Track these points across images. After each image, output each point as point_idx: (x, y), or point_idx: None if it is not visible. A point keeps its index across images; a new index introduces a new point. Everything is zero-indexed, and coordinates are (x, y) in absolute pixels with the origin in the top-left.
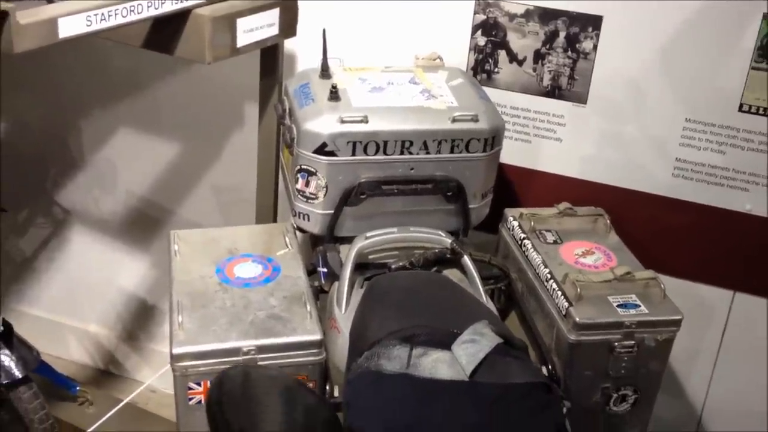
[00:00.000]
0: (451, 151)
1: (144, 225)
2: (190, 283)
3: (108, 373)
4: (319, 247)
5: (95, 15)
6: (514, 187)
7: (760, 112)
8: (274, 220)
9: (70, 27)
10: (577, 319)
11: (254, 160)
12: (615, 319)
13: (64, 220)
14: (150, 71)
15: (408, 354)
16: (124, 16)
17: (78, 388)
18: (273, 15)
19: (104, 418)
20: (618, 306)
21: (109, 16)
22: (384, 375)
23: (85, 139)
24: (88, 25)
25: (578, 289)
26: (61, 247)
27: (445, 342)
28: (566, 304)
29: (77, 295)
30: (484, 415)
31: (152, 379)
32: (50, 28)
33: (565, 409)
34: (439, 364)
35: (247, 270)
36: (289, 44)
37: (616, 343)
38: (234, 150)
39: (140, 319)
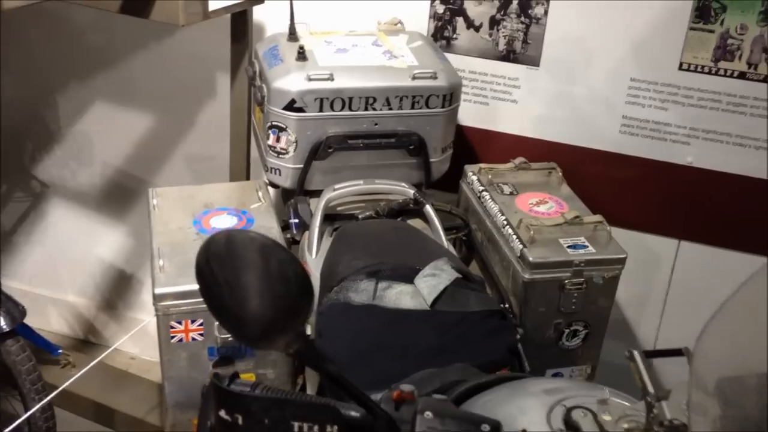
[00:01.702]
0: (412, 107)
1: (120, 196)
2: (168, 233)
3: (88, 342)
4: (291, 200)
5: None
6: (474, 147)
7: (699, 69)
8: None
9: None
10: (531, 258)
11: (227, 128)
12: (565, 258)
13: (42, 194)
14: (124, 45)
15: (374, 287)
16: None
17: (60, 351)
18: None
19: (88, 367)
20: (568, 247)
21: None
22: (352, 306)
23: (62, 113)
24: None
25: (531, 233)
26: (40, 219)
27: (408, 276)
28: (521, 246)
29: (56, 267)
30: (443, 339)
31: (125, 339)
32: None
33: (518, 336)
34: (402, 296)
35: (223, 221)
36: (257, 15)
37: (567, 281)
38: (207, 120)
39: (118, 288)
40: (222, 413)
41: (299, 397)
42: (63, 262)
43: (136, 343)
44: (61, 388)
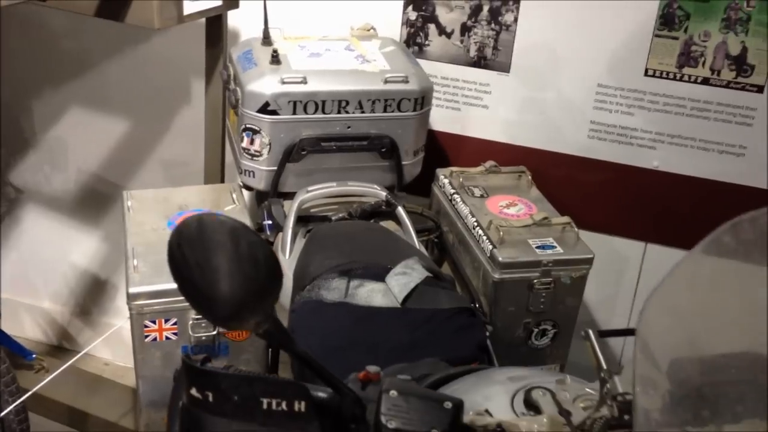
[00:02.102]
0: (385, 110)
1: (95, 201)
2: (143, 234)
3: (62, 349)
4: (265, 202)
5: None
6: (446, 152)
7: (664, 75)
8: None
9: None
10: (500, 259)
11: (201, 133)
12: (534, 258)
13: (17, 199)
14: (99, 50)
15: (346, 285)
16: None
17: (34, 356)
18: None
19: (62, 369)
20: (537, 247)
21: None
22: (324, 303)
23: (37, 119)
24: None
25: (501, 234)
26: (14, 225)
27: (379, 275)
28: (491, 246)
29: (30, 273)
30: (413, 336)
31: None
32: None
33: (487, 333)
34: (374, 294)
35: None
36: (232, 20)
37: (536, 281)
38: (182, 124)
39: (93, 294)
40: (193, 391)
41: (268, 376)
42: (37, 268)
43: (110, 348)
44: (34, 390)
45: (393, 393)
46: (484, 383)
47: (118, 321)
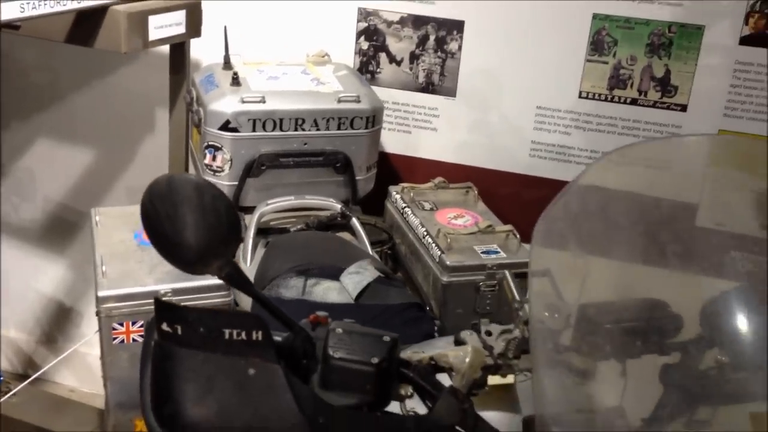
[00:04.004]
0: (338, 128)
1: (62, 229)
2: (111, 245)
3: (27, 377)
4: None
5: (27, 4)
6: (399, 172)
7: (596, 97)
8: None
9: (7, 12)
10: (448, 263)
11: (165, 160)
12: (479, 262)
13: None
14: (66, 84)
15: (303, 284)
16: (51, 7)
17: (1, 378)
18: (180, 15)
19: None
20: (482, 252)
21: (39, 5)
22: (283, 300)
23: (5, 151)
24: (21, 12)
25: (449, 240)
26: None
27: (334, 274)
28: (439, 252)
29: None
30: None
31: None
32: None
33: (435, 327)
34: (329, 292)
35: None
36: (193, 51)
37: (481, 283)
38: (146, 153)
39: (58, 322)
40: (164, 326)
41: (230, 310)
42: (3, 296)
43: (75, 375)
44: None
45: (338, 330)
46: (425, 343)
47: (84, 348)
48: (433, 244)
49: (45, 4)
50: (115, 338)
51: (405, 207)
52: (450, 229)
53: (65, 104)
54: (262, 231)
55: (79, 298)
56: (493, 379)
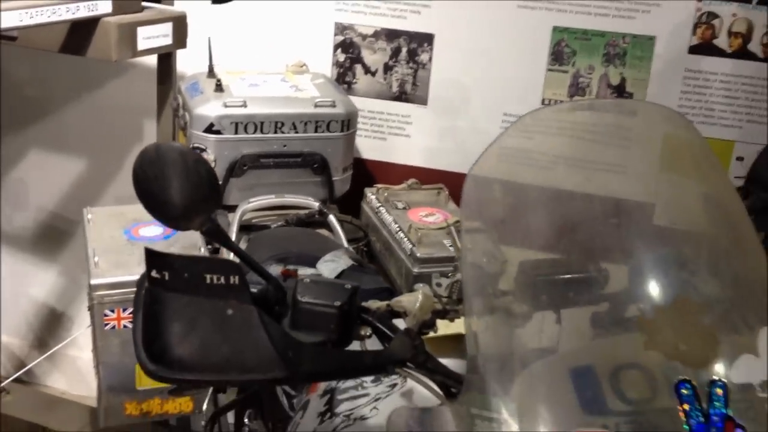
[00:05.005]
0: (316, 131)
1: (53, 237)
2: (102, 240)
3: (20, 381)
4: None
5: (26, 13)
6: (375, 177)
7: (557, 104)
8: None
9: (7, 20)
10: (419, 255)
11: None
12: (447, 254)
13: None
14: (57, 96)
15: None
16: (48, 17)
17: None
18: (167, 27)
19: (19, 373)
20: (450, 245)
21: (36, 14)
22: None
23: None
24: (20, 21)
25: (419, 235)
26: None
27: (311, 262)
28: (410, 246)
29: None
30: None
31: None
32: None
33: None
34: None
35: (151, 231)
36: (179, 63)
37: (449, 274)
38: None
39: (50, 327)
40: (153, 273)
41: (210, 257)
42: None
43: (66, 379)
44: None
45: (306, 280)
46: None
47: (75, 352)
48: (405, 239)
49: (41, 14)
50: (106, 324)
51: (379, 206)
52: (421, 225)
53: (57, 116)
54: (245, 228)
55: (71, 303)
56: (447, 329)
